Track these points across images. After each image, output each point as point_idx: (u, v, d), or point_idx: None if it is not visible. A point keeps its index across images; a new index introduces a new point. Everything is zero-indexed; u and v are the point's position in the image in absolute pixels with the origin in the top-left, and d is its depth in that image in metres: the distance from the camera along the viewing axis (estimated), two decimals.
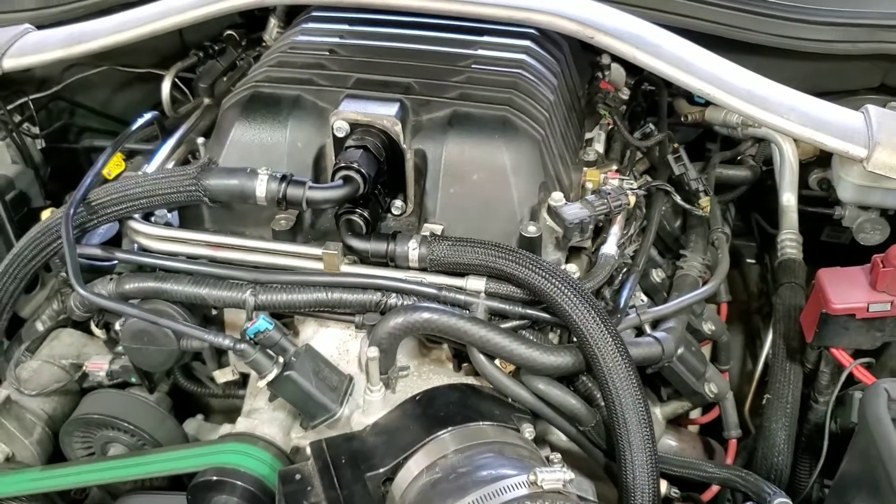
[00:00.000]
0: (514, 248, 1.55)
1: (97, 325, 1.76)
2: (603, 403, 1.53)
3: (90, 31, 2.00)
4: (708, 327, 1.88)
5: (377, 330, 1.51)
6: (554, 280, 1.48)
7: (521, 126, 1.69)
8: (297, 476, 1.41)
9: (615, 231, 1.72)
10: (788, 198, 2.13)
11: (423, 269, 1.59)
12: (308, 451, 1.45)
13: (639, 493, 1.42)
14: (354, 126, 1.66)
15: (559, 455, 1.42)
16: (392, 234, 1.61)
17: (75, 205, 1.62)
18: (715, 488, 1.82)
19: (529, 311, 1.55)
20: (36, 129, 2.26)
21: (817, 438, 1.84)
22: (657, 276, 1.86)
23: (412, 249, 1.57)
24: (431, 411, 1.47)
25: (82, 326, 1.91)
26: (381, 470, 1.38)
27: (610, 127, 2.12)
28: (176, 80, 2.31)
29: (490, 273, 1.56)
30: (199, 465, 1.52)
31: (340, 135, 1.66)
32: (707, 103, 2.26)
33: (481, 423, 1.43)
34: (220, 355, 1.74)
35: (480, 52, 1.90)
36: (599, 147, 2.03)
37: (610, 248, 1.68)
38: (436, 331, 1.49)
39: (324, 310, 1.62)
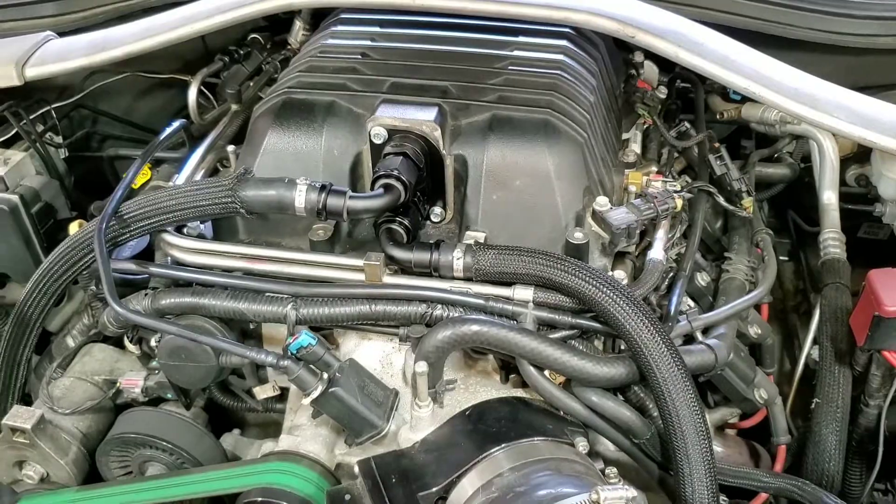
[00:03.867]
0: (562, 256, 1.50)
1: (131, 341, 1.72)
2: (656, 414, 1.49)
3: (114, 38, 1.96)
4: (754, 331, 1.84)
5: (424, 343, 1.46)
6: (605, 289, 1.43)
7: (563, 129, 1.64)
8: (347, 496, 1.37)
9: (661, 235, 1.67)
10: (829, 196, 2.09)
11: (467, 279, 1.55)
12: (356, 469, 1.41)
13: None
14: (392, 132, 1.61)
15: (615, 469, 1.39)
16: (435, 242, 1.57)
17: (107, 218, 1.58)
18: (763, 496, 1.78)
19: (579, 321, 1.50)
20: (59, 139, 2.22)
21: (868, 442, 1.79)
22: (702, 279, 1.82)
23: (457, 259, 1.53)
24: (483, 427, 1.42)
25: (114, 341, 1.87)
26: (434, 489, 1.34)
27: (646, 126, 2.07)
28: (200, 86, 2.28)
29: (537, 282, 1.51)
30: (243, 486, 1.48)
31: (378, 141, 1.62)
32: (743, 100, 2.22)
33: (535, 438, 1.39)
34: (258, 369, 1.69)
35: (516, 52, 1.85)
36: (637, 148, 1.99)
37: (657, 253, 1.63)
38: (485, 343, 1.45)
39: (367, 323, 1.57)
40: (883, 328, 1.64)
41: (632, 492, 1.22)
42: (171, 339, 1.55)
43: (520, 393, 1.56)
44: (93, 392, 1.76)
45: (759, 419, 1.94)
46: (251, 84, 2.16)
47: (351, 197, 1.53)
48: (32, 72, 1.97)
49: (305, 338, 1.46)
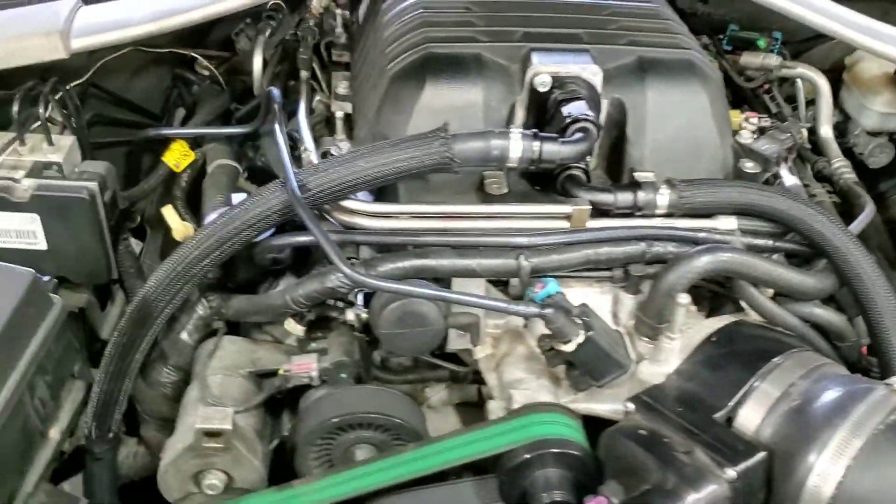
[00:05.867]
0: (760, 185, 1.60)
1: (301, 322, 1.58)
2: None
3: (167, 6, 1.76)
4: None
5: (665, 278, 1.48)
6: (812, 209, 1.55)
7: (705, 68, 1.73)
8: (641, 431, 1.37)
9: (790, 164, 1.81)
10: (826, 130, 2.33)
11: (668, 215, 1.59)
12: (630, 406, 1.41)
13: None
14: (555, 79, 1.61)
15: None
16: (632, 182, 1.60)
17: (297, 184, 1.45)
18: None
19: (780, 244, 1.60)
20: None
21: None
22: None
23: (661, 196, 1.57)
24: (739, 348, 1.47)
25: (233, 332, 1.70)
26: (730, 405, 1.37)
27: None
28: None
29: (737, 211, 1.59)
30: (509, 444, 1.41)
31: (543, 90, 1.61)
32: (733, 50, 2.43)
33: (791, 351, 1.46)
34: None
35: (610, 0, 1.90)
36: None
37: (792, 180, 1.76)
38: (727, 270, 1.50)
39: (586, 268, 1.56)
40: None
41: None
42: (401, 304, 1.45)
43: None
44: (247, 386, 1.60)
45: None
46: (302, 51, 2.02)
47: (563, 142, 1.51)
48: (79, 43, 1.71)
49: (553, 286, 1.44)
